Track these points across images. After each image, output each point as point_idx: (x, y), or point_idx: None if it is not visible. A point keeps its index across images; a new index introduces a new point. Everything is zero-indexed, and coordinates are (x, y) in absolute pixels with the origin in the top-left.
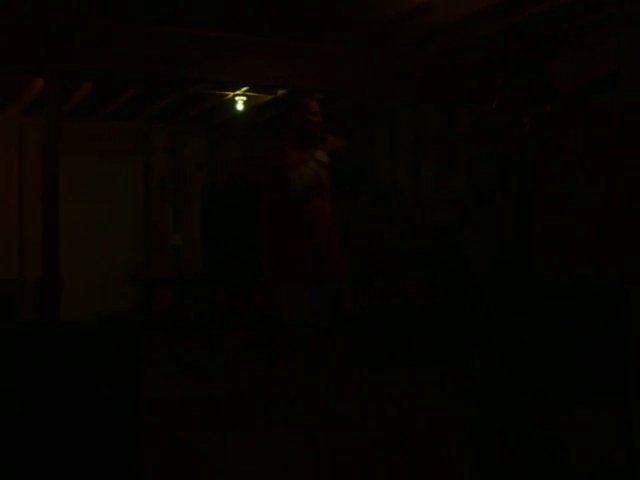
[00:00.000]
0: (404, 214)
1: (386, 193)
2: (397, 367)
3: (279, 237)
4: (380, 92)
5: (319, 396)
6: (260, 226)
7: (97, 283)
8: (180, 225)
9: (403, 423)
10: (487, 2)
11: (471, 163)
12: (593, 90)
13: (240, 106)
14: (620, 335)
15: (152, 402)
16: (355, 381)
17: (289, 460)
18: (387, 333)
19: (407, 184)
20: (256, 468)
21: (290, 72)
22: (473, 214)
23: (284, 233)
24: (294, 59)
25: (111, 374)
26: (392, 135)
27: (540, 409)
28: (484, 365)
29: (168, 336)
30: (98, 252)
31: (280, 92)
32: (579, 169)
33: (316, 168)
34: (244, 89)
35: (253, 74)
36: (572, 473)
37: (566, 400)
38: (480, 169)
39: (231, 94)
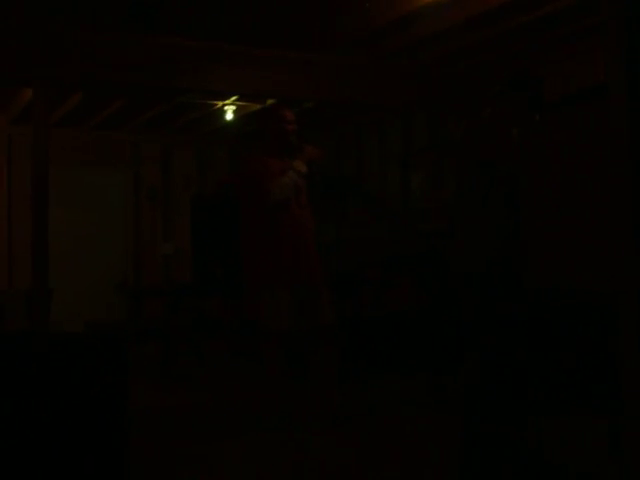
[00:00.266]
0: (393, 221)
1: (375, 200)
2: (385, 374)
3: (258, 245)
4: (370, 101)
5: (306, 404)
6: (240, 235)
7: (87, 293)
8: (170, 235)
9: (390, 430)
10: (475, 11)
11: (460, 170)
12: (580, 99)
13: (229, 115)
14: (606, 342)
15: (141, 411)
16: (342, 388)
17: (277, 468)
18: (375, 340)
19: (396, 191)
20: (244, 476)
21: (279, 81)
22: (461, 221)
23: (263, 242)
24: (283, 69)
25: (100, 384)
26: (380, 143)
27: (524, 418)
28: (469, 376)
29: (157, 346)
30: (88, 262)
31: (269, 101)
32: (566, 178)
33: (295, 178)
34: (233, 98)
35: (242, 84)
36: None
37: (552, 408)
38: (469, 176)
39: (220, 103)
